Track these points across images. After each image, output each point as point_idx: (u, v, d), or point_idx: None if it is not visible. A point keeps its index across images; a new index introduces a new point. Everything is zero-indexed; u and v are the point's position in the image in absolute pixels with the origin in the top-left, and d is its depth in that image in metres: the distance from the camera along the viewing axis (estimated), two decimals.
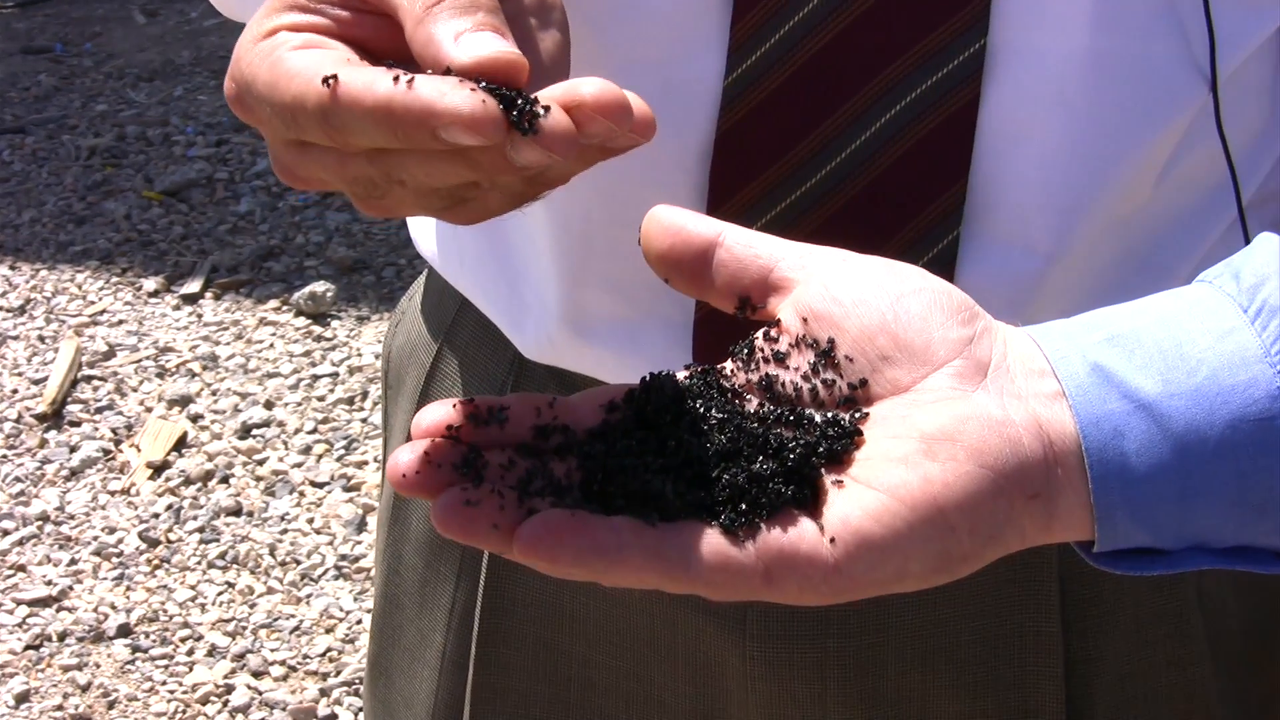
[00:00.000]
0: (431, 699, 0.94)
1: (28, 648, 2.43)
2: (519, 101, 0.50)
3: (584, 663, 0.87)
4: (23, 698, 2.34)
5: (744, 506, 0.50)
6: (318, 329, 3.16)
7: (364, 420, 2.90)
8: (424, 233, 0.92)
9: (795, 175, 0.73)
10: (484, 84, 0.51)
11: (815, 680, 0.81)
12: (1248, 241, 0.76)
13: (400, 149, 0.52)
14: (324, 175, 0.56)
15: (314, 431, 2.87)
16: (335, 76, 0.51)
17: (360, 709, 2.32)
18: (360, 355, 3.08)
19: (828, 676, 0.81)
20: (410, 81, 0.50)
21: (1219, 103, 0.72)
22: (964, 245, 0.73)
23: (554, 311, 0.81)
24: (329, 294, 3.22)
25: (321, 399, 2.96)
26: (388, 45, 0.57)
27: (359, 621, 2.47)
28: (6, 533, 2.65)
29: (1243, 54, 0.72)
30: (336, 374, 3.03)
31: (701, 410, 0.53)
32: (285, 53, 0.55)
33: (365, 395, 2.97)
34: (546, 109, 0.50)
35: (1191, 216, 0.77)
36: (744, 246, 0.56)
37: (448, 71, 0.52)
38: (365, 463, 2.79)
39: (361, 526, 2.65)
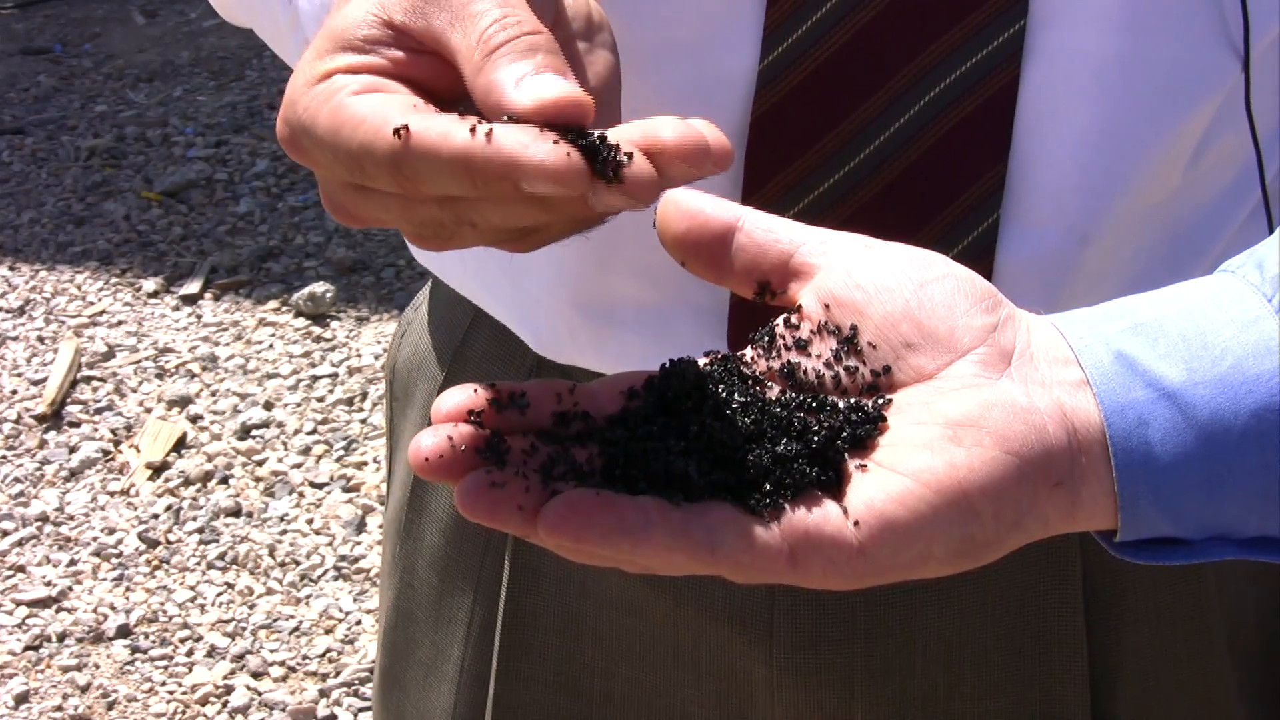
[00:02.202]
0: (449, 713, 0.93)
1: (27, 648, 2.43)
2: (601, 150, 0.49)
3: (606, 676, 0.86)
4: (22, 698, 2.34)
5: (768, 487, 0.50)
6: (317, 330, 3.15)
7: (363, 421, 2.90)
8: None
9: (833, 159, 0.72)
10: (565, 131, 0.50)
11: (842, 688, 0.81)
12: (1270, 224, 0.76)
13: (476, 197, 0.51)
14: (385, 217, 0.55)
15: (313, 432, 2.87)
16: (407, 127, 0.50)
17: (359, 710, 2.32)
18: (360, 356, 3.07)
19: (854, 683, 0.81)
20: (489, 133, 0.49)
21: (1250, 82, 0.72)
22: (1002, 226, 0.73)
23: (573, 299, 0.80)
24: (328, 295, 3.22)
25: (321, 400, 2.96)
26: (445, 85, 0.56)
27: (359, 622, 2.46)
28: (6, 533, 2.65)
29: (1273, 32, 0.72)
30: (336, 375, 3.02)
31: (723, 395, 0.53)
32: (346, 98, 0.53)
33: (365, 396, 2.96)
34: (630, 155, 0.49)
35: (1221, 199, 0.77)
36: (764, 231, 0.56)
37: (513, 119, 0.51)
38: (365, 463, 2.79)
39: (361, 527, 2.65)
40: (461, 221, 0.53)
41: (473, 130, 0.49)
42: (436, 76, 0.56)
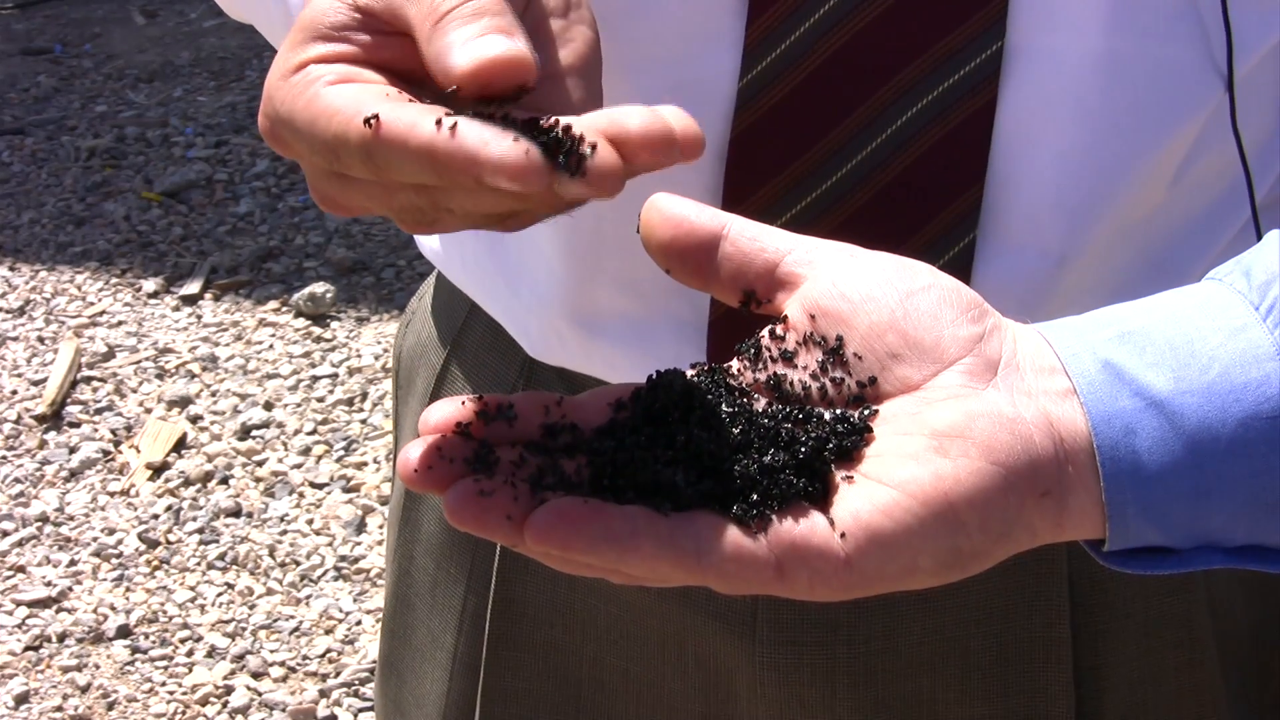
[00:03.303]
0: (443, 699, 0.94)
1: (27, 649, 2.43)
2: (565, 142, 0.50)
3: (595, 664, 0.87)
4: (22, 699, 2.34)
5: (755, 497, 0.50)
6: (317, 330, 3.15)
7: (363, 421, 2.90)
8: None
9: (811, 178, 0.72)
10: (529, 125, 0.50)
11: (824, 686, 0.81)
12: None
13: (445, 186, 0.52)
14: (369, 204, 0.56)
15: (313, 433, 2.87)
16: (377, 116, 0.51)
17: (359, 710, 2.32)
18: (360, 356, 3.07)
19: (837, 682, 0.81)
20: (454, 127, 0.49)
21: (1235, 102, 0.72)
22: (979, 246, 0.73)
23: (562, 309, 0.80)
24: (328, 295, 3.22)
25: (321, 400, 2.96)
26: (415, 66, 0.56)
27: (358, 623, 2.47)
28: (6, 534, 2.65)
29: (1258, 53, 0.72)
30: (336, 375, 3.02)
31: (710, 406, 0.53)
32: (322, 88, 0.54)
33: (365, 396, 2.96)
34: (593, 147, 0.49)
35: (1205, 218, 0.77)
36: (750, 240, 0.56)
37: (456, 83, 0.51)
38: (365, 464, 2.79)
39: (361, 528, 2.65)
40: (439, 208, 0.54)
41: (438, 123, 0.50)
42: (407, 58, 0.56)
